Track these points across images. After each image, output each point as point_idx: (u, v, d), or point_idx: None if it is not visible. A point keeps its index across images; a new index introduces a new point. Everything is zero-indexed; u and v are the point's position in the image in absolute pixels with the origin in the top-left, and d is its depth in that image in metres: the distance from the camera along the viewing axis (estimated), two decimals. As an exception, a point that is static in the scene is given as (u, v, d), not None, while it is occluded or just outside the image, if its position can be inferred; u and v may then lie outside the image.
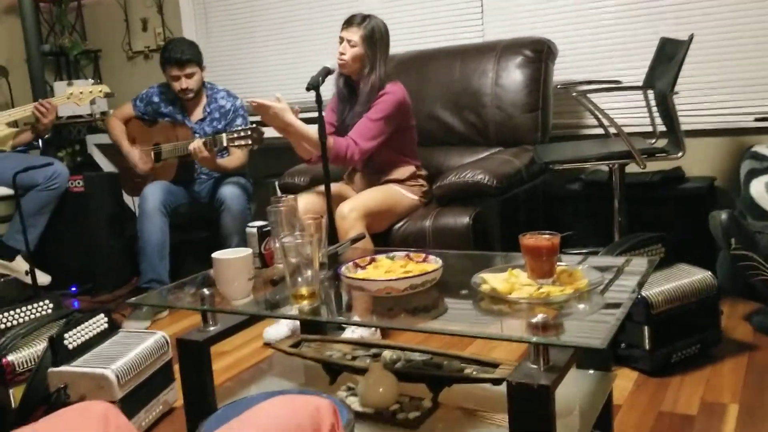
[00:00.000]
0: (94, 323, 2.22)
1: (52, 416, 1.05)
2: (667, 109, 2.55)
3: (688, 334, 2.25)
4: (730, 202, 2.94)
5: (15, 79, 4.46)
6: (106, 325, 2.26)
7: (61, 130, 4.55)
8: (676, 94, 2.49)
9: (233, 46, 4.40)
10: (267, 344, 2.75)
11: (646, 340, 2.18)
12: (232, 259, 1.67)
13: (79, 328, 2.14)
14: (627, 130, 2.62)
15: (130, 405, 2.04)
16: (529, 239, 1.52)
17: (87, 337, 2.15)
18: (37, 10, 4.61)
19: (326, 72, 2.71)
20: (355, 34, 2.81)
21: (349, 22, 2.85)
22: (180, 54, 3.34)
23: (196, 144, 3.17)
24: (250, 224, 1.90)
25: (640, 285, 1.57)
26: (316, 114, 2.63)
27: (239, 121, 3.47)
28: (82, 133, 4.66)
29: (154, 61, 4.68)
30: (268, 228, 1.91)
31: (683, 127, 2.59)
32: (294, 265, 1.60)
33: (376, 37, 2.83)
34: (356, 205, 2.71)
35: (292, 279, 1.60)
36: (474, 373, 1.69)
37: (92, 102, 4.20)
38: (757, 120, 3.07)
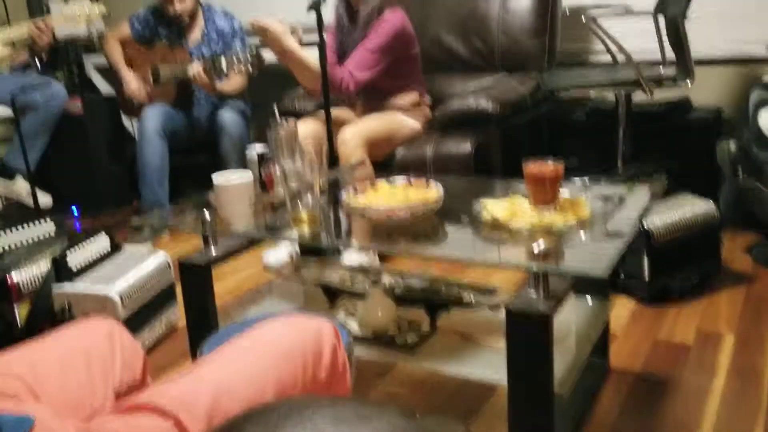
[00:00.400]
0: (97, 243, 2.23)
1: (59, 332, 1.07)
2: (677, 35, 2.48)
3: (688, 264, 2.25)
4: (738, 132, 2.90)
5: (10, -4, 4.34)
6: (107, 245, 2.27)
7: (59, 50, 4.46)
8: (688, 20, 2.43)
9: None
10: (266, 268, 2.77)
11: (645, 270, 2.19)
12: (234, 184, 1.66)
13: (81, 247, 2.15)
14: (636, 57, 2.56)
15: (134, 324, 2.07)
16: (532, 166, 1.51)
17: (90, 257, 2.16)
18: None
19: (328, -8, 2.64)
20: None
21: None
22: None
23: (195, 69, 3.11)
24: (249, 147, 1.89)
25: (642, 215, 1.56)
26: (317, 37, 2.56)
27: (238, 43, 3.40)
28: (79, 54, 4.57)
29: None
30: (268, 153, 1.89)
31: (692, 56, 2.53)
32: (294, 189, 1.59)
33: None
34: (358, 130, 2.68)
35: (293, 203, 1.60)
36: (472, 298, 1.70)
37: (89, 22, 4.11)
38: (768, 49, 3.01)
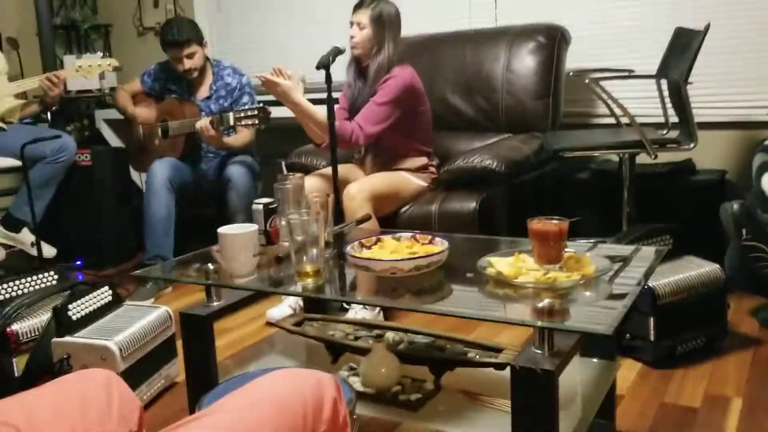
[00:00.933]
0: (99, 295, 2.22)
1: (56, 382, 1.05)
2: (680, 99, 2.52)
3: (694, 326, 2.23)
4: (741, 195, 2.91)
5: (25, 51, 4.44)
6: (110, 298, 2.26)
7: (71, 103, 4.53)
8: (690, 85, 2.46)
9: (244, 22, 4.37)
10: (269, 323, 2.75)
11: (651, 331, 2.17)
12: (238, 235, 1.66)
13: (83, 299, 2.14)
14: (639, 120, 2.59)
15: (132, 378, 2.04)
16: (537, 223, 1.51)
17: (91, 309, 2.15)
18: (49, -18, 4.59)
19: (336, 52, 2.69)
20: (364, 16, 2.79)
21: (358, 5, 2.84)
22: (178, 35, 3.31)
23: (203, 123, 3.15)
24: (256, 201, 1.89)
25: (648, 274, 1.56)
26: (325, 95, 2.61)
27: (245, 98, 3.46)
28: (90, 108, 4.63)
29: (165, 37, 4.66)
30: (274, 205, 1.90)
31: (695, 119, 2.56)
32: (299, 242, 1.59)
33: (385, 18, 2.81)
34: (364, 186, 2.70)
35: (297, 256, 1.60)
36: (477, 356, 1.68)
37: (101, 77, 4.19)
38: (770, 114, 3.05)
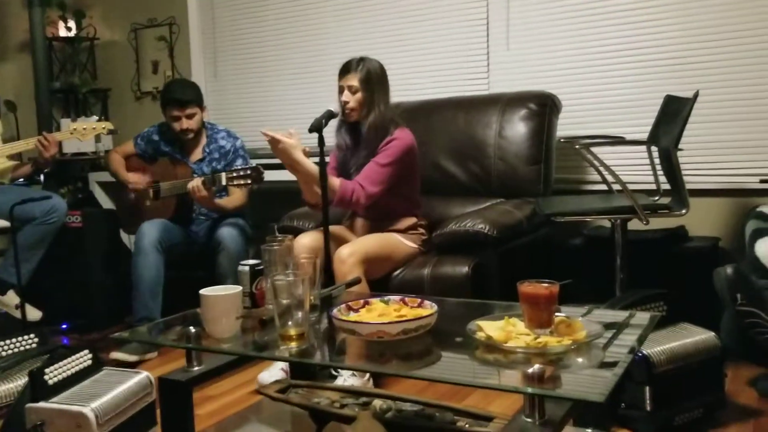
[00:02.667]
0: (78, 359, 2.15)
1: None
2: (671, 165, 2.52)
3: (691, 396, 2.17)
4: (735, 262, 2.89)
5: (23, 114, 4.48)
6: (90, 362, 2.19)
7: (65, 166, 4.55)
8: (681, 152, 2.47)
9: (241, 88, 4.43)
10: (258, 389, 2.68)
11: (647, 401, 2.10)
12: (220, 296, 1.63)
13: (61, 363, 2.07)
14: (630, 187, 2.59)
15: (109, 446, 1.96)
16: (527, 287, 1.48)
17: (69, 373, 2.08)
18: (50, 48, 4.67)
19: (329, 115, 2.71)
20: (354, 79, 2.80)
21: (345, 70, 2.84)
22: (181, 94, 3.35)
23: (195, 183, 3.14)
24: (242, 262, 1.86)
25: (641, 340, 1.52)
26: (317, 158, 2.61)
27: (239, 161, 3.46)
28: (85, 170, 4.65)
29: (161, 102, 4.72)
30: (261, 267, 1.87)
31: (687, 186, 2.55)
32: (284, 305, 1.55)
33: (373, 78, 2.81)
34: (355, 249, 2.67)
35: (282, 320, 1.56)
36: (467, 426, 1.62)
37: (97, 140, 4.22)
38: (762, 182, 3.05)
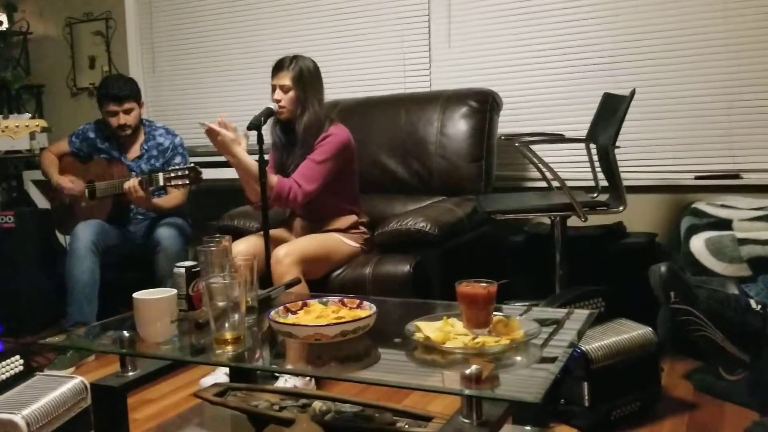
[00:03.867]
0: (8, 365, 2.08)
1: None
2: (608, 163, 2.56)
3: (628, 390, 2.21)
4: (671, 258, 2.96)
5: (-50, 110, 4.30)
6: (21, 368, 2.12)
7: (-2, 164, 4.39)
8: (618, 149, 2.51)
9: (179, 84, 4.34)
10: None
11: (585, 396, 2.14)
12: (153, 299, 1.58)
13: (-11, 370, 2.00)
14: (569, 184, 2.62)
15: (40, 455, 1.90)
16: (465, 287, 1.48)
17: (-2, 380, 2.01)
18: (-21, 42, 4.50)
19: (269, 112, 2.68)
20: (286, 78, 2.76)
21: (278, 68, 2.79)
22: (118, 90, 3.27)
23: (131, 183, 3.06)
24: (178, 264, 1.82)
25: (579, 336, 1.53)
26: (257, 156, 2.57)
27: (178, 159, 3.39)
28: (19, 169, 4.49)
29: (98, 98, 4.59)
30: (198, 268, 1.82)
31: (625, 183, 2.60)
32: (220, 308, 1.52)
33: (306, 76, 2.77)
34: (292, 249, 2.64)
35: (218, 323, 1.52)
36: (406, 426, 1.62)
37: (32, 137, 4.08)
38: (697, 178, 3.13)
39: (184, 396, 2.65)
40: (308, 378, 2.54)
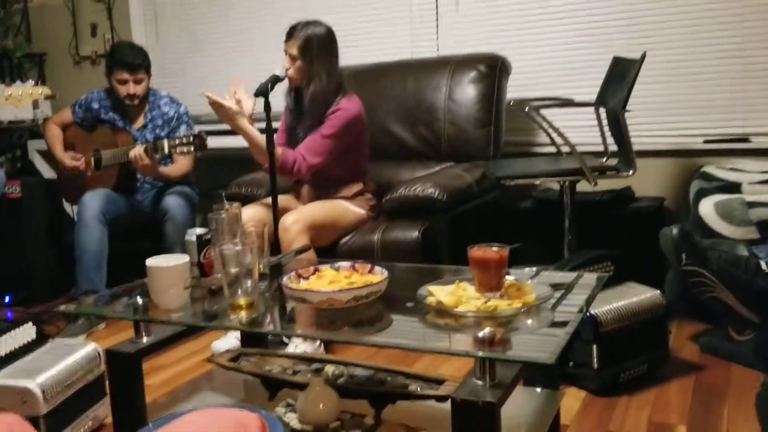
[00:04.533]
0: (21, 333, 2.09)
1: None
2: (618, 127, 2.55)
3: (636, 353, 2.23)
4: (680, 222, 2.96)
5: (-48, 79, 4.28)
6: (33, 336, 2.13)
7: (2, 134, 4.37)
8: (628, 113, 2.49)
9: (183, 51, 4.30)
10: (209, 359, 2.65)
11: (594, 359, 2.15)
12: (167, 267, 1.59)
13: (3, 337, 2.02)
14: (579, 148, 2.61)
15: (57, 420, 1.92)
16: (477, 251, 1.48)
17: (12, 347, 2.03)
18: (-20, 10, 4.46)
19: (275, 79, 2.65)
20: (293, 47, 2.73)
21: (289, 34, 2.76)
22: (132, 58, 3.26)
23: (137, 151, 3.06)
24: (190, 231, 1.82)
25: (589, 301, 1.54)
26: (264, 123, 2.56)
27: (183, 128, 3.38)
28: (23, 138, 4.49)
29: (102, 67, 4.55)
30: (209, 236, 1.83)
31: (634, 148, 2.59)
32: (233, 274, 1.52)
33: (314, 46, 2.73)
34: (300, 216, 2.64)
35: (231, 289, 1.53)
36: (418, 389, 1.63)
37: (35, 106, 4.05)
38: (706, 142, 3.11)
39: (195, 362, 2.67)
40: (318, 343, 2.56)
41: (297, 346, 2.52)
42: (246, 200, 3.06)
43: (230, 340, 2.65)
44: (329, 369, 1.79)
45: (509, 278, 1.53)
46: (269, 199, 2.69)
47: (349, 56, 3.41)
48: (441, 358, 2.47)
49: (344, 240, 2.79)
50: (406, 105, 3.29)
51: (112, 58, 3.31)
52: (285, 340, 2.57)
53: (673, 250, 2.26)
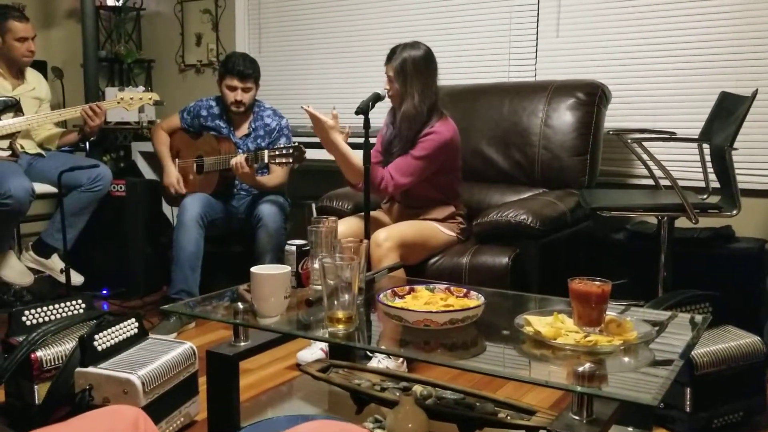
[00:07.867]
0: (125, 327, 2.20)
1: (84, 416, 1.03)
2: (723, 164, 2.47)
3: (732, 399, 2.15)
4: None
5: (69, 81, 4.53)
6: (136, 330, 2.24)
7: (108, 134, 4.60)
8: (735, 151, 2.42)
9: (285, 65, 4.43)
10: (298, 367, 2.70)
11: (687, 402, 2.09)
12: (271, 275, 1.64)
13: (109, 330, 2.12)
14: (678, 183, 2.54)
15: (153, 414, 1.97)
16: (578, 284, 1.47)
17: (117, 340, 2.13)
18: (98, 16, 4.71)
19: (376, 97, 2.70)
20: (390, 69, 2.79)
21: (388, 57, 2.82)
22: (244, 67, 3.38)
23: (238, 159, 3.17)
24: (290, 242, 1.88)
25: (693, 342, 1.50)
26: (363, 139, 2.61)
27: (283, 140, 3.47)
28: (128, 140, 4.71)
29: (205, 75, 4.75)
30: (307, 247, 1.88)
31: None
32: (332, 287, 1.56)
33: (408, 68, 2.76)
34: (391, 234, 2.67)
35: (329, 301, 1.57)
36: (509, 417, 1.62)
37: (141, 110, 4.26)
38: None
39: (279, 368, 2.73)
40: (401, 360, 2.58)
41: (380, 360, 2.55)
42: (336, 214, 3.13)
43: (316, 351, 2.70)
44: (417, 389, 1.80)
45: (609, 314, 1.51)
46: (362, 213, 2.74)
47: (448, 76, 3.44)
48: (525, 388, 2.45)
49: (433, 260, 2.80)
50: (500, 127, 3.29)
51: (225, 65, 3.44)
52: (369, 354, 2.60)
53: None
